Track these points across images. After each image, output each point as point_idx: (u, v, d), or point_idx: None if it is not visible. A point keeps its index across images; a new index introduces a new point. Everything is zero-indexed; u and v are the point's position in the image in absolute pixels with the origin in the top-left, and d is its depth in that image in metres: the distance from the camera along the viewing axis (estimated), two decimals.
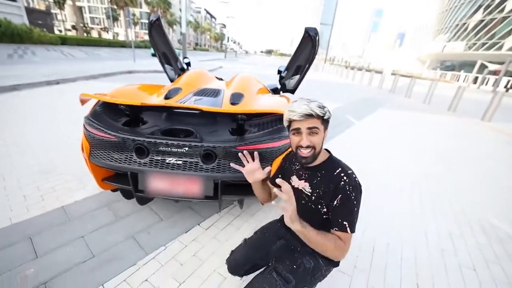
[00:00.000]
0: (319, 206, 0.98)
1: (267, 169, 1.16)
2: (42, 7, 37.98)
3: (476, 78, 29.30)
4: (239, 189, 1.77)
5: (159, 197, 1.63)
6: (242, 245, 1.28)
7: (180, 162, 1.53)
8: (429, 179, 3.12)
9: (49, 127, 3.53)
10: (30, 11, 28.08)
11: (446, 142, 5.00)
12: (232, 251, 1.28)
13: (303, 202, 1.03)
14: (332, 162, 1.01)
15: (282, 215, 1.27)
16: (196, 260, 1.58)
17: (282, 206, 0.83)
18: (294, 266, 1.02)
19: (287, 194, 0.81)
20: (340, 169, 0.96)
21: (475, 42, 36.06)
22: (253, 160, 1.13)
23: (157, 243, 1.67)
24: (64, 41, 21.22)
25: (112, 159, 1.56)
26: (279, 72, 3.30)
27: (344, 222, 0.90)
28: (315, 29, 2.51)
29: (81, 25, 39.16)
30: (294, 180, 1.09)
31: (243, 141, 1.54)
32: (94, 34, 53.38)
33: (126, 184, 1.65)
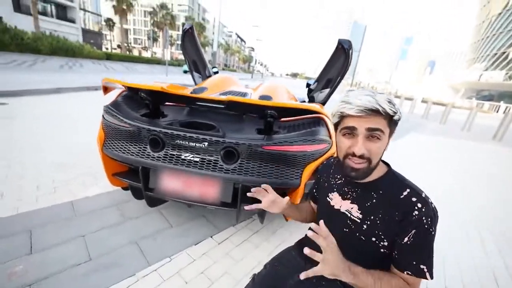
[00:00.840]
0: (374, 239, 0.68)
1: (286, 198, 0.89)
2: (96, 28, 43.31)
3: None
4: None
5: (170, 198, 1.43)
6: (250, 285, 0.96)
7: (198, 159, 1.33)
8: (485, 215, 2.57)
9: (80, 125, 3.64)
10: (85, 32, 32.24)
11: (501, 172, 4.30)
12: None
13: (346, 230, 0.74)
14: (395, 179, 0.71)
15: (299, 240, 0.97)
16: (203, 280, 1.31)
17: (321, 256, 0.57)
18: None
19: (324, 240, 0.58)
20: (408, 190, 0.66)
21: None
22: (267, 191, 0.87)
23: (162, 253, 1.44)
24: (109, 57, 23.60)
25: (125, 150, 1.42)
26: (308, 85, 3.13)
27: (422, 266, 0.62)
28: (349, 41, 2.33)
29: (125, 44, 43.72)
30: (335, 199, 0.79)
31: (271, 140, 1.32)
32: (135, 53, 59.13)
33: (136, 181, 1.48)
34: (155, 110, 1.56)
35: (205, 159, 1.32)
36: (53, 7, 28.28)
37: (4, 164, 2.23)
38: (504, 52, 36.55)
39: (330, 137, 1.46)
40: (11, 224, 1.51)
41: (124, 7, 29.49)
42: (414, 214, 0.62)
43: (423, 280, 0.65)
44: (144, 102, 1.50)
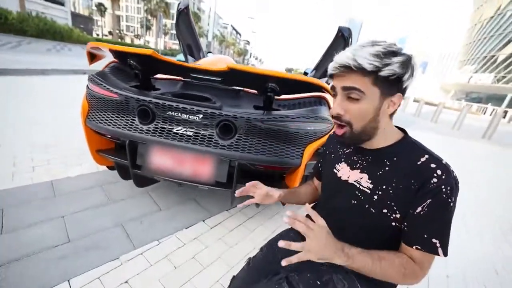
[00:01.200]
0: (385, 211, 0.60)
1: (279, 190, 0.81)
2: (86, 13, 41.54)
3: (506, 112, 27.64)
4: (259, 179, 1.43)
5: (159, 177, 1.31)
6: (244, 269, 0.86)
7: (191, 133, 1.21)
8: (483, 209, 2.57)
9: (64, 108, 3.42)
10: (74, 16, 30.83)
11: (495, 170, 4.37)
12: (234, 277, 0.88)
13: (354, 202, 0.65)
14: (412, 145, 0.62)
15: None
16: (195, 264, 1.21)
17: (299, 244, 0.51)
18: (318, 282, 0.65)
19: (302, 224, 0.52)
20: (427, 156, 0.57)
21: (504, 75, 34.61)
22: (256, 187, 0.78)
23: (149, 236, 1.33)
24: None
25: (111, 123, 1.28)
26: (305, 74, 3.03)
27: (434, 240, 0.54)
28: (348, 29, 2.25)
29: (117, 31, 42.18)
30: (342, 169, 0.71)
31: (271, 116, 1.21)
32: (127, 40, 57.22)
33: (123, 158, 1.36)
34: (146, 81, 1.42)
35: (199, 133, 1.21)
36: None
37: None
38: (493, 56, 37.43)
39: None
40: None
41: None
42: (432, 182, 0.54)
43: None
44: (133, 72, 1.36)
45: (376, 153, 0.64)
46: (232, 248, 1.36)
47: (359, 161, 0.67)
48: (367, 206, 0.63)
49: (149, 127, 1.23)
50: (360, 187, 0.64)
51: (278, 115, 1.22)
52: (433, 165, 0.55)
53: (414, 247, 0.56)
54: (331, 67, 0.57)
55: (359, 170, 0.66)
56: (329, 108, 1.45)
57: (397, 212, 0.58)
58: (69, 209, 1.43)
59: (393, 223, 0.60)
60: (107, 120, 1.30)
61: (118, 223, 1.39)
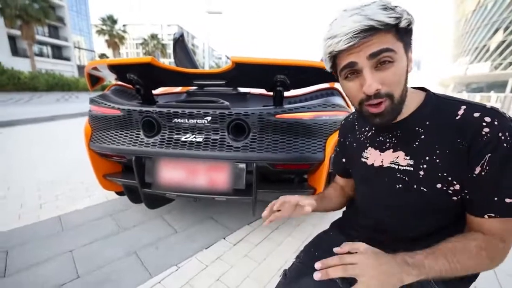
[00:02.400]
0: (440, 185, 0.47)
1: (311, 197, 0.68)
2: None
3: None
4: (280, 182, 1.30)
5: (171, 193, 1.19)
6: (282, 282, 0.70)
7: (200, 139, 1.12)
8: None
9: (72, 146, 3.44)
10: (80, 67, 33.17)
11: None
12: None
13: (400, 186, 0.52)
14: (441, 100, 0.50)
15: (334, 221, 0.76)
16: (221, 287, 1.04)
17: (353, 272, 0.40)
18: None
19: (339, 267, 0.41)
20: (464, 107, 0.46)
21: (501, 62, 34.57)
22: (283, 203, 0.64)
23: (166, 262, 1.18)
24: (104, 88, 24.13)
25: (115, 140, 1.21)
26: None
27: (508, 200, 0.42)
28: None
29: None
30: (372, 155, 0.59)
31: (285, 108, 1.12)
32: None
33: (131, 178, 1.26)
34: (148, 96, 1.38)
35: (209, 138, 1.12)
36: (49, 48, 29.36)
37: None
38: (484, 45, 37.77)
39: (348, 106, 1.29)
40: None
41: (116, 40, 30.61)
42: (484, 132, 0.42)
43: None
44: (135, 88, 1.31)
45: (403, 124, 0.52)
46: (261, 264, 1.19)
47: (388, 140, 0.56)
48: (415, 186, 0.50)
49: (155, 139, 1.15)
50: (399, 167, 0.53)
51: (293, 107, 1.12)
52: (476, 114, 0.44)
53: (486, 216, 0.44)
54: (342, 41, 0.44)
55: (391, 150, 0.55)
56: (343, 97, 1.36)
57: (454, 182, 0.46)
58: (78, 243, 1.30)
59: (454, 197, 0.47)
60: (110, 139, 1.23)
61: (131, 252, 1.25)
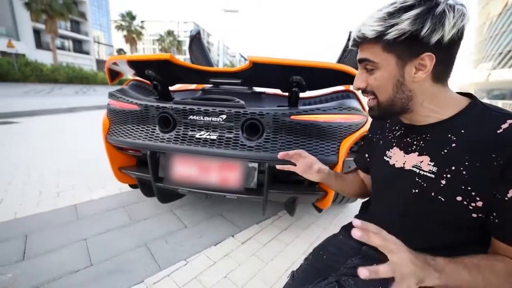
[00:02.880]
0: (460, 198, 0.44)
1: (326, 168, 0.71)
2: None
3: None
4: (292, 183, 1.28)
5: (183, 188, 1.21)
6: (289, 283, 0.69)
7: (214, 137, 1.13)
8: None
9: (88, 138, 3.57)
10: (98, 62, 34.36)
11: None
12: None
13: (416, 191, 0.50)
14: (485, 111, 0.46)
15: (344, 226, 0.75)
16: (228, 285, 1.05)
17: (387, 268, 0.35)
18: (380, 286, 0.49)
19: (380, 237, 0.36)
20: (510, 121, 0.42)
21: None
22: (300, 155, 0.70)
23: (176, 256, 1.20)
24: (121, 82, 24.87)
25: (131, 134, 1.24)
26: None
27: None
28: None
29: None
30: (395, 155, 0.58)
31: (300, 110, 1.10)
32: None
33: (145, 173, 1.29)
34: (165, 92, 1.40)
35: (223, 136, 1.12)
36: (70, 42, 30.58)
37: (9, 172, 2.11)
38: (509, 50, 35.86)
39: (364, 110, 1.25)
40: (5, 230, 1.32)
41: (134, 36, 31.39)
42: None
43: None
44: (153, 83, 1.34)
45: (435, 128, 0.50)
46: (268, 264, 1.18)
47: (415, 142, 0.54)
48: (433, 194, 0.48)
49: (170, 135, 1.17)
50: (421, 172, 0.50)
51: (308, 109, 1.11)
52: None
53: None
54: (352, 39, 0.53)
55: (416, 153, 0.53)
56: (360, 102, 1.32)
57: (477, 198, 0.43)
58: (92, 232, 1.35)
59: (474, 215, 0.44)
60: (127, 133, 1.26)
61: (142, 244, 1.28)
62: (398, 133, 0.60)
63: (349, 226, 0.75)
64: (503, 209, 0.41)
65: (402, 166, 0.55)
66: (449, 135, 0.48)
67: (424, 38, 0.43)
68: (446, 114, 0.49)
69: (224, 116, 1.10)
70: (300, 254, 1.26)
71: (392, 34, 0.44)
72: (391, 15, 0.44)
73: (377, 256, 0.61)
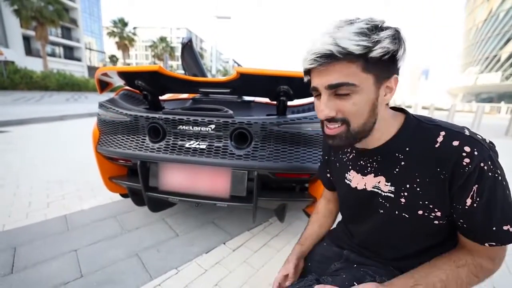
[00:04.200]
0: (421, 212, 0.49)
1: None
2: (101, 65, 45.81)
3: None
4: (281, 190, 1.32)
5: (174, 197, 1.22)
6: None
7: (204, 146, 1.15)
8: None
9: (78, 146, 3.52)
10: (90, 68, 34.01)
11: None
12: None
13: (382, 212, 0.54)
14: (420, 125, 0.49)
15: (329, 231, 0.78)
16: None
17: None
18: (355, 283, 0.52)
19: None
20: (443, 133, 0.45)
21: None
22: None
23: (167, 265, 1.21)
24: (114, 89, 24.62)
25: (121, 144, 1.25)
26: None
27: (506, 228, 0.43)
28: None
29: None
30: (354, 178, 0.60)
31: (287, 119, 1.15)
32: None
33: (136, 182, 1.30)
34: (155, 102, 1.42)
35: (212, 145, 1.15)
36: (61, 48, 30.27)
37: None
38: (495, 55, 37.31)
39: None
40: None
41: (126, 42, 31.29)
42: (464, 163, 0.42)
43: None
44: (143, 94, 1.36)
45: (383, 149, 0.52)
46: (259, 271, 1.20)
47: (368, 164, 0.56)
48: (397, 212, 0.52)
49: (160, 145, 1.19)
50: (382, 193, 0.54)
51: (295, 117, 1.15)
52: (455, 143, 0.44)
53: (486, 244, 0.45)
54: (306, 61, 0.44)
55: (372, 174, 0.55)
56: None
57: (436, 210, 0.47)
58: (82, 243, 1.34)
59: (436, 222, 0.49)
60: (117, 143, 1.27)
61: (133, 253, 1.28)
62: (351, 155, 0.62)
63: (332, 232, 0.78)
64: (468, 216, 0.45)
65: (364, 187, 0.57)
66: (397, 154, 0.51)
67: (398, 60, 0.45)
68: (390, 133, 0.51)
69: (213, 126, 1.13)
70: None
71: (377, 52, 0.40)
72: (370, 30, 0.41)
73: (357, 260, 0.65)
